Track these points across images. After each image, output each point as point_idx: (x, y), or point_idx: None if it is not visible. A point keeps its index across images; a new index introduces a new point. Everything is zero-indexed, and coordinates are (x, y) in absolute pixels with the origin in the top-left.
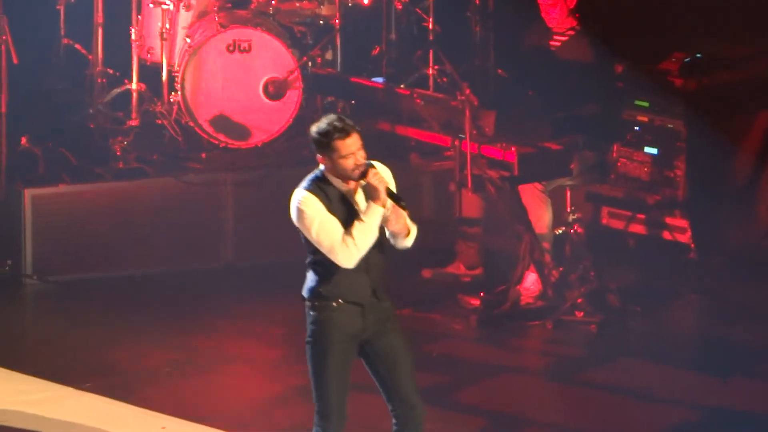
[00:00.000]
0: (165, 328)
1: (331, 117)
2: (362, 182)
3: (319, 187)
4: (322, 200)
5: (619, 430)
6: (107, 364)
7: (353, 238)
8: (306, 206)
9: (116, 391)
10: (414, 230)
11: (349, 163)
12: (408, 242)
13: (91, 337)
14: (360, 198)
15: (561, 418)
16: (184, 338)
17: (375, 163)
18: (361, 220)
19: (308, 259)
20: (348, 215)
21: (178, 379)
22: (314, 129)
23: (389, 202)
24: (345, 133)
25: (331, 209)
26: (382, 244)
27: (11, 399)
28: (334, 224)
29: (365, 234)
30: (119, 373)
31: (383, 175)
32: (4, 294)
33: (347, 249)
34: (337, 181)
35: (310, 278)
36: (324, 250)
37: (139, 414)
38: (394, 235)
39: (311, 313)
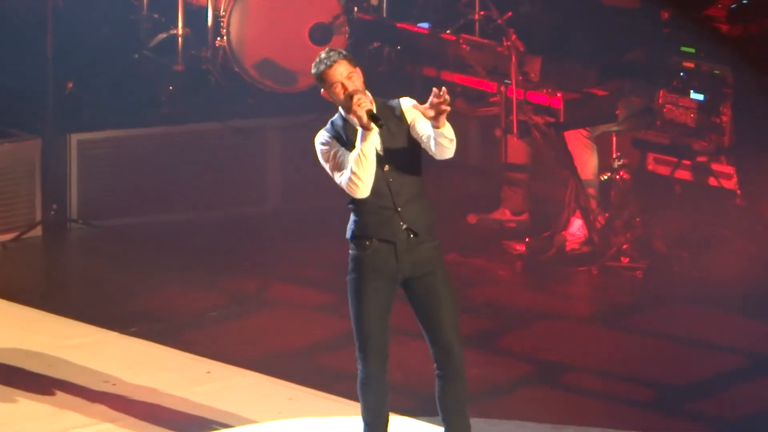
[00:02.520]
0: (210, 272)
1: (322, 52)
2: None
3: (336, 127)
4: (337, 139)
5: (665, 376)
6: (152, 309)
7: (352, 167)
8: (321, 147)
9: (161, 335)
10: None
11: (338, 91)
12: (447, 152)
13: (136, 282)
14: (377, 130)
15: (606, 364)
16: (230, 282)
17: (404, 99)
18: (356, 149)
19: (347, 200)
20: None
21: (222, 324)
22: None
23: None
24: (328, 62)
25: (349, 147)
26: (415, 182)
27: (57, 343)
28: (345, 160)
29: (359, 161)
30: (164, 318)
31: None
32: (50, 239)
33: (352, 181)
34: (349, 117)
35: (350, 220)
36: (346, 190)
37: (184, 358)
38: (437, 143)
39: (350, 252)
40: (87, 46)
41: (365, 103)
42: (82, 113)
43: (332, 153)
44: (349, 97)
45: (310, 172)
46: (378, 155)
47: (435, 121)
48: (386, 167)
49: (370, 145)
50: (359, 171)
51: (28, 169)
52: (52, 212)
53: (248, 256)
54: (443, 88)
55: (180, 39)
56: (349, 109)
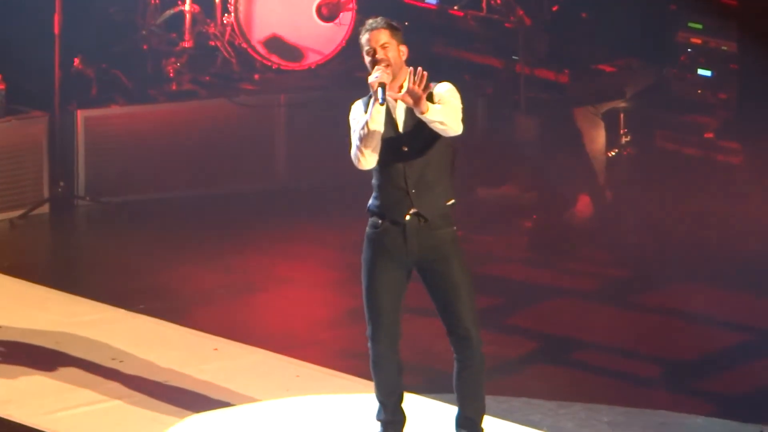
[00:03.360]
0: (217, 250)
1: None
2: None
3: (368, 98)
4: (366, 108)
5: (672, 353)
6: (160, 286)
7: (355, 140)
8: (352, 113)
9: (169, 313)
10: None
11: (367, 59)
12: (448, 133)
13: (143, 259)
14: (399, 110)
15: (613, 341)
16: (237, 260)
17: (442, 84)
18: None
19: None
20: (387, 127)
21: (230, 301)
22: None
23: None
24: (369, 28)
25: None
26: (434, 168)
27: (64, 321)
28: None
29: (362, 131)
30: (172, 295)
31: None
32: (57, 215)
33: (355, 152)
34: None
35: (372, 195)
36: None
37: (191, 336)
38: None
39: (366, 229)
40: (95, 23)
41: (382, 75)
42: (89, 90)
43: (355, 122)
44: (373, 64)
45: (317, 149)
46: (398, 134)
47: (416, 107)
48: (405, 148)
49: (377, 118)
50: (360, 143)
51: (36, 146)
52: (60, 189)
53: (256, 233)
54: (419, 69)
55: (188, 15)
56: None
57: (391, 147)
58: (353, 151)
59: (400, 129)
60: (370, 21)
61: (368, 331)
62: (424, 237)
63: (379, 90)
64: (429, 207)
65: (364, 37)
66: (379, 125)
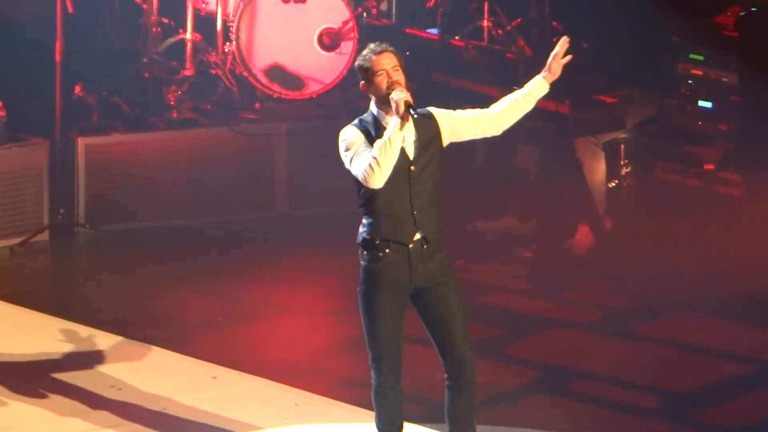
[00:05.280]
0: (218, 277)
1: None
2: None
3: (364, 123)
4: (364, 134)
5: (671, 383)
6: (159, 314)
7: (374, 153)
8: (345, 137)
9: (168, 340)
10: None
11: (382, 80)
12: (521, 114)
13: (143, 287)
14: (408, 131)
15: (612, 372)
16: (237, 288)
17: (431, 108)
18: (384, 136)
19: (359, 202)
20: None
21: (229, 329)
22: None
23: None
24: (377, 50)
25: (374, 144)
26: (433, 191)
27: (64, 348)
28: (368, 151)
29: (383, 146)
30: (171, 323)
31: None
32: (57, 243)
33: (370, 166)
34: (382, 116)
35: (361, 224)
36: (359, 177)
37: (190, 363)
38: (522, 105)
39: (361, 262)
40: (96, 50)
41: (406, 94)
42: (90, 117)
43: (356, 144)
44: (391, 87)
45: (317, 178)
46: (406, 155)
47: (558, 73)
48: (412, 167)
49: (399, 135)
50: (380, 157)
51: (36, 173)
52: (60, 216)
53: (255, 261)
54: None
55: (189, 44)
56: (387, 98)
57: (398, 168)
58: (366, 168)
59: (410, 150)
60: (374, 46)
61: (370, 361)
62: (425, 262)
63: (406, 107)
64: (430, 230)
65: (371, 59)
66: (401, 141)
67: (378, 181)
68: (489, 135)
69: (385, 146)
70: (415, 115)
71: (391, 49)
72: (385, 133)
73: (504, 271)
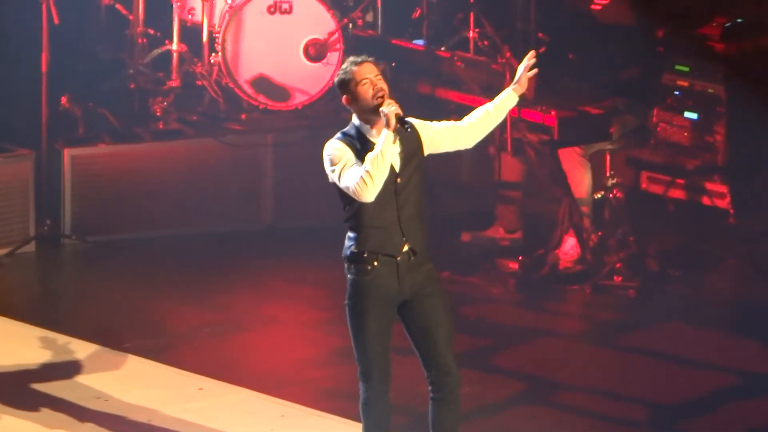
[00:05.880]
0: (203, 289)
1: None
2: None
3: (349, 137)
4: (350, 147)
5: (657, 395)
6: (145, 325)
7: (366, 166)
8: (332, 151)
9: (154, 351)
10: None
11: (366, 89)
12: (491, 127)
13: (129, 298)
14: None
15: (599, 383)
16: (223, 299)
17: (411, 119)
18: (374, 149)
19: (345, 216)
20: None
21: (216, 340)
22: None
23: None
24: (358, 62)
25: (360, 158)
26: (417, 202)
27: (49, 359)
28: (356, 165)
29: (375, 160)
30: (158, 334)
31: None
32: (43, 254)
33: (363, 180)
34: (366, 129)
35: (347, 238)
36: (348, 191)
37: (176, 375)
38: (493, 117)
39: (348, 275)
40: (82, 61)
41: (396, 107)
42: (76, 128)
43: (343, 157)
44: (378, 96)
45: (303, 189)
46: (392, 168)
47: (527, 86)
48: (398, 179)
49: (391, 148)
50: (373, 170)
51: (22, 184)
52: (46, 227)
53: (241, 272)
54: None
55: (175, 55)
56: (374, 109)
57: (385, 180)
58: (358, 182)
59: (396, 161)
60: (353, 58)
61: (359, 374)
62: (413, 273)
63: (397, 119)
64: (417, 241)
65: (352, 70)
66: (392, 155)
67: (371, 194)
68: (462, 148)
69: (377, 159)
70: (408, 129)
71: (370, 59)
72: (377, 145)
73: (490, 283)
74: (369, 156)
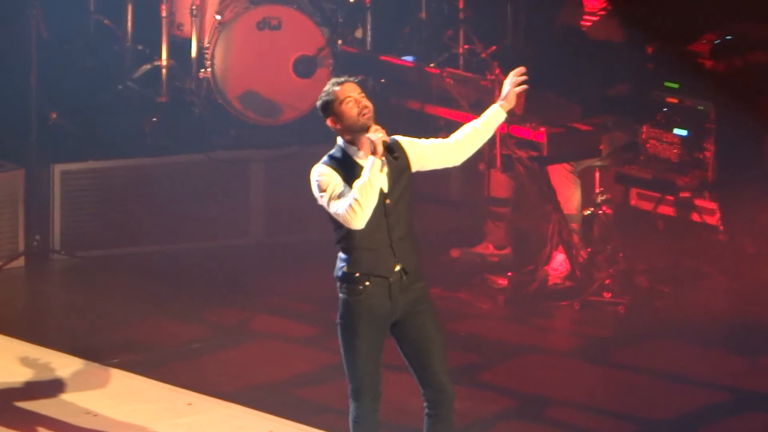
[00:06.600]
0: (193, 304)
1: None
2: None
3: (335, 160)
4: (337, 171)
5: (647, 411)
6: (134, 340)
7: (355, 194)
8: (319, 177)
9: (143, 366)
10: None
11: (351, 108)
12: (479, 145)
13: (118, 313)
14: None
15: (588, 399)
16: (212, 315)
17: (397, 137)
18: (361, 177)
19: (335, 238)
20: None
21: (205, 356)
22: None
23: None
24: (340, 82)
25: (348, 181)
26: (408, 222)
27: (38, 374)
28: (344, 191)
29: (364, 187)
30: (146, 349)
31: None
32: (32, 269)
33: (352, 208)
34: (353, 150)
35: (339, 258)
36: (338, 218)
37: (165, 390)
38: (480, 134)
39: (340, 295)
40: (71, 76)
41: (382, 134)
42: (65, 144)
43: (331, 183)
44: (362, 114)
45: (293, 205)
46: (381, 189)
47: (514, 102)
48: (387, 200)
49: (378, 176)
50: (362, 198)
51: (11, 200)
52: (35, 243)
53: (231, 288)
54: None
55: (164, 70)
56: (361, 126)
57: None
58: (347, 210)
59: (384, 183)
60: (332, 80)
61: (350, 391)
62: (405, 292)
63: (385, 148)
64: (408, 259)
65: (334, 91)
66: (380, 182)
67: (360, 222)
68: (450, 165)
69: (366, 187)
70: (397, 157)
71: (351, 79)
72: (364, 172)
73: (479, 299)
74: (357, 183)
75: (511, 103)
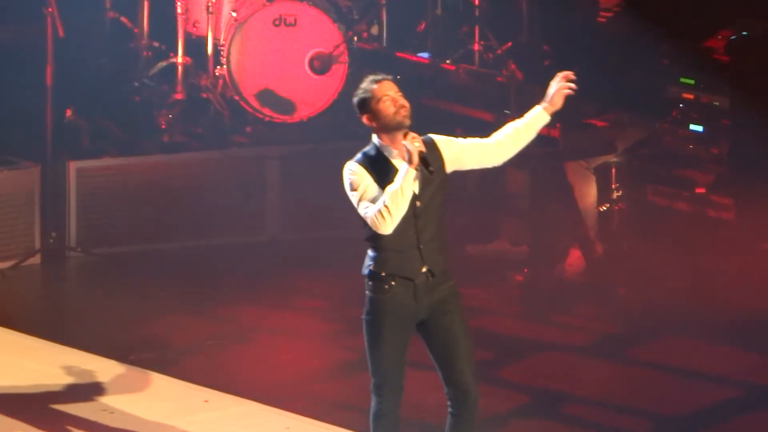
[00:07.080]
0: (209, 301)
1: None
2: (402, 142)
3: (369, 158)
4: (369, 171)
5: (661, 407)
6: (150, 337)
7: (386, 200)
8: (352, 175)
9: (159, 363)
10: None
11: (388, 106)
12: (521, 146)
13: (134, 310)
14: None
15: (603, 395)
16: (228, 311)
17: (432, 135)
18: (393, 183)
19: (364, 235)
20: None
21: (221, 352)
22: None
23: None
24: (378, 80)
25: (380, 181)
26: (438, 223)
27: (55, 371)
28: (375, 194)
29: (395, 195)
30: (162, 346)
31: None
32: (48, 266)
33: (381, 213)
34: (387, 150)
35: (367, 256)
36: (366, 219)
37: (181, 387)
38: (523, 136)
39: (367, 292)
40: (87, 74)
41: (419, 142)
42: (81, 141)
43: (362, 183)
44: (398, 113)
45: (308, 201)
46: (413, 193)
47: (560, 105)
48: (418, 203)
49: (411, 184)
50: (392, 206)
51: (28, 197)
52: (51, 240)
53: (247, 284)
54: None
55: (180, 67)
56: (397, 125)
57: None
58: (376, 214)
59: (416, 186)
60: (372, 77)
61: (372, 386)
62: (432, 293)
63: (421, 160)
64: (436, 261)
65: (372, 89)
66: (412, 189)
67: (388, 228)
68: (490, 165)
69: (397, 195)
70: (432, 171)
71: (389, 77)
72: (396, 179)
73: (495, 295)
74: (389, 189)
75: (556, 105)
